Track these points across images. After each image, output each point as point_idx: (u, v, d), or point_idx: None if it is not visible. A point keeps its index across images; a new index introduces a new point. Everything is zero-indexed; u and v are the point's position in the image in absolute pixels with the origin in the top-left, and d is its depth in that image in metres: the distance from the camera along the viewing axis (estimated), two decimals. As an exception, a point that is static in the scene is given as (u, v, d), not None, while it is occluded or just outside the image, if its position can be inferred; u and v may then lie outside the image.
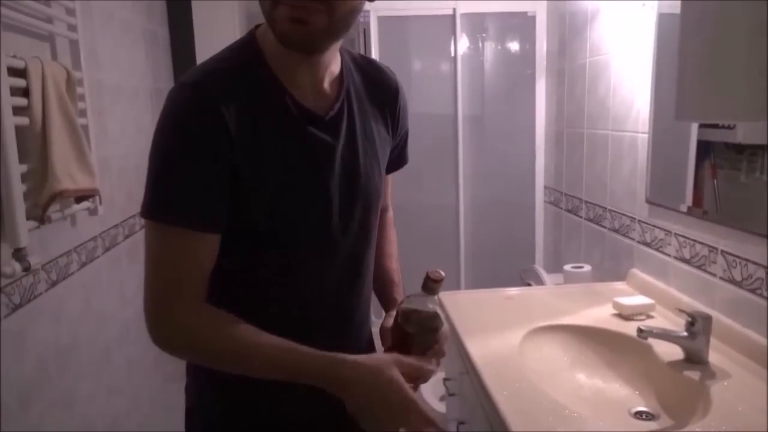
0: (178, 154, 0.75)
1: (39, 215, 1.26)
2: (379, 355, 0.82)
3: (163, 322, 0.78)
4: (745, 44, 0.90)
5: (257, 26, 0.86)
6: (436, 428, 0.78)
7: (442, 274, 0.86)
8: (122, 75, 2.05)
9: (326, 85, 0.86)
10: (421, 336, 0.86)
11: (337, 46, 0.85)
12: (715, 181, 1.42)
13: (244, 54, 0.82)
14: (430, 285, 0.87)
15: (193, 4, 2.72)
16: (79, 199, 1.47)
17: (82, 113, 1.52)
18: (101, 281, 1.77)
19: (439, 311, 0.87)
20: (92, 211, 1.57)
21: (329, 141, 0.85)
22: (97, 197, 1.54)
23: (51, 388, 1.43)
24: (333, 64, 0.87)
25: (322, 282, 0.88)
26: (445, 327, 0.88)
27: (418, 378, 0.82)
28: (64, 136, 1.33)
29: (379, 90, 0.96)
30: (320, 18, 0.73)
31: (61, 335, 1.49)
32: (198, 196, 0.76)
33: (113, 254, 1.86)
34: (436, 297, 0.89)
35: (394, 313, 0.89)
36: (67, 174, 1.31)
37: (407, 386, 0.78)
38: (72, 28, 1.53)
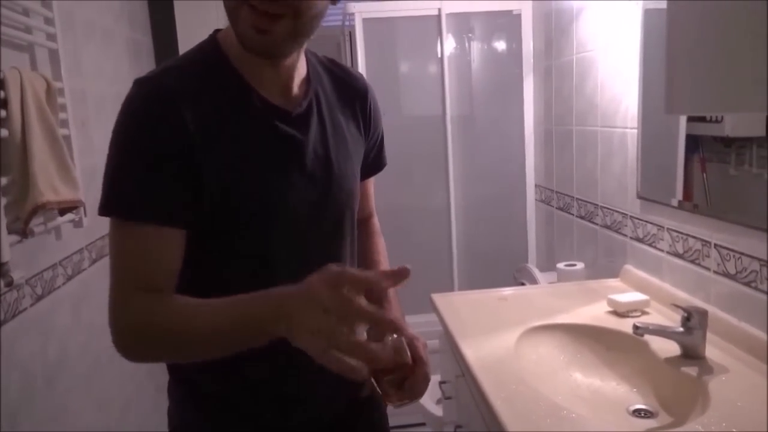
0: (130, 148, 0.75)
1: (21, 229, 1.23)
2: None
3: (116, 319, 0.76)
4: (733, 35, 0.89)
5: (217, 30, 0.85)
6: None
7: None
8: (106, 84, 2.02)
9: (294, 86, 0.86)
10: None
11: (302, 49, 0.85)
12: (704, 174, 1.41)
13: (206, 53, 0.82)
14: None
15: (177, 13, 2.70)
16: (63, 211, 1.44)
17: (64, 124, 1.49)
18: (89, 293, 1.74)
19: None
20: (77, 223, 1.54)
21: (298, 136, 0.84)
22: (82, 208, 1.51)
23: (40, 403, 1.40)
24: (300, 66, 0.87)
25: (292, 270, 0.75)
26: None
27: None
28: (45, 147, 1.30)
29: (347, 90, 0.96)
30: (285, 25, 0.73)
31: (49, 350, 1.46)
32: (150, 189, 0.74)
33: (101, 266, 1.83)
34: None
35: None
36: (49, 186, 1.29)
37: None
38: (51, 37, 1.50)
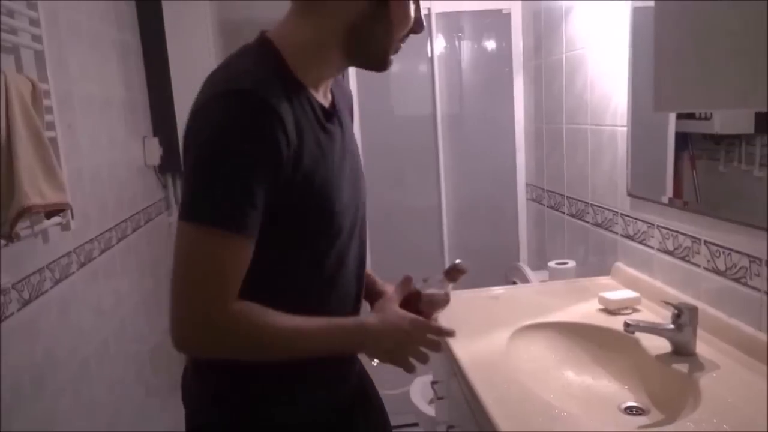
0: (235, 160, 0.76)
1: (7, 233, 1.22)
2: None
3: (204, 327, 0.78)
4: (720, 32, 0.90)
5: (265, 32, 0.90)
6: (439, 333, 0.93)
7: (467, 269, 1.01)
8: (93, 85, 2.01)
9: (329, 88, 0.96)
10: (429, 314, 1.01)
11: None
12: (694, 171, 1.42)
13: (270, 62, 0.85)
14: (454, 275, 1.02)
15: (165, 13, 2.68)
16: (50, 215, 1.42)
17: (50, 126, 1.48)
18: (77, 298, 1.72)
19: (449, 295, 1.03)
20: (64, 226, 1.52)
21: (339, 133, 0.93)
22: (69, 212, 1.49)
23: (28, 408, 1.38)
24: None
25: (348, 262, 0.95)
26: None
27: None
28: (31, 150, 1.29)
29: (344, 93, 1.05)
30: None
31: (36, 355, 1.44)
32: (252, 203, 0.77)
33: (89, 270, 1.81)
34: (451, 285, 1.03)
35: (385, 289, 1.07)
36: (35, 189, 1.27)
37: (402, 311, 0.94)
38: (37, 38, 1.48)
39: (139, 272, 2.33)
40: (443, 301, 1.02)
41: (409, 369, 0.93)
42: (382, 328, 0.90)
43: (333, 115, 0.92)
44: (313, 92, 0.88)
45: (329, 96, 0.95)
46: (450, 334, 0.95)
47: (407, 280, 1.00)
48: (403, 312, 0.93)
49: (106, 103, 2.13)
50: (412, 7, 0.88)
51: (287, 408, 0.93)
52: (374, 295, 1.08)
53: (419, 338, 0.91)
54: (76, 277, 1.71)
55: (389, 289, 1.05)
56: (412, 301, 0.99)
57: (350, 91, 1.08)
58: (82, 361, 1.71)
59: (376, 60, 0.90)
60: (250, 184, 0.76)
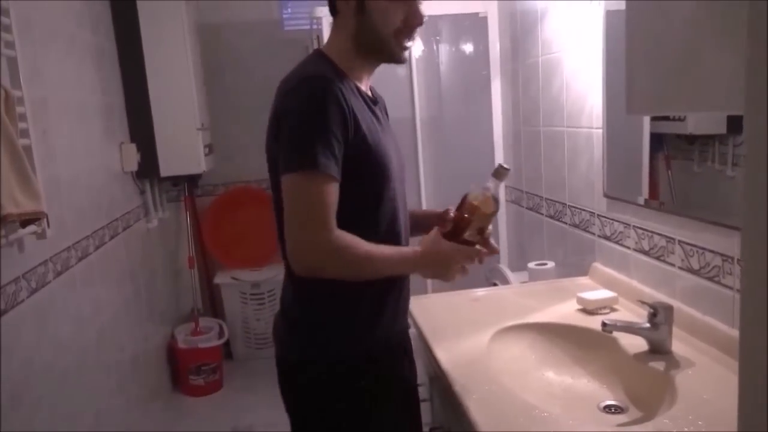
0: (321, 123, 1.01)
1: (-19, 242, 1.20)
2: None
3: (317, 249, 1.02)
4: (690, 35, 0.91)
5: (317, 49, 1.17)
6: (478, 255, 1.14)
7: (509, 167, 1.21)
8: (68, 91, 1.98)
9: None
10: (477, 221, 1.15)
11: None
12: (669, 171, 1.44)
13: (325, 64, 1.11)
14: (501, 171, 1.20)
15: (140, 16, 2.66)
16: (25, 223, 1.40)
17: (24, 133, 1.46)
18: (55, 307, 1.70)
19: (498, 197, 1.19)
20: (40, 235, 1.50)
21: (381, 116, 1.19)
22: (45, 220, 1.47)
23: (5, 422, 1.36)
24: None
25: (400, 204, 1.20)
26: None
27: (465, 254, 1.14)
28: (5, 159, 1.27)
29: (378, 96, 1.27)
30: None
31: (13, 367, 1.42)
32: (336, 154, 1.02)
33: (66, 278, 1.79)
34: (502, 184, 1.21)
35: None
36: (9, 197, 1.25)
37: (443, 241, 1.14)
38: (9, 45, 1.46)
39: (117, 280, 2.31)
40: (490, 206, 1.16)
41: (449, 279, 1.15)
42: (428, 252, 1.13)
43: (376, 103, 1.18)
44: (358, 83, 1.14)
45: (370, 92, 1.20)
46: (493, 251, 1.18)
47: (444, 214, 1.19)
48: (444, 242, 1.14)
49: (82, 109, 2.10)
50: (391, 9, 1.08)
51: (364, 337, 1.17)
52: (420, 218, 1.33)
53: (458, 258, 1.13)
54: (53, 286, 1.68)
55: (431, 214, 1.31)
56: (460, 225, 1.14)
57: (382, 98, 1.29)
58: (61, 371, 1.68)
59: (386, 56, 1.14)
60: (330, 139, 1.01)
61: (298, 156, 1.02)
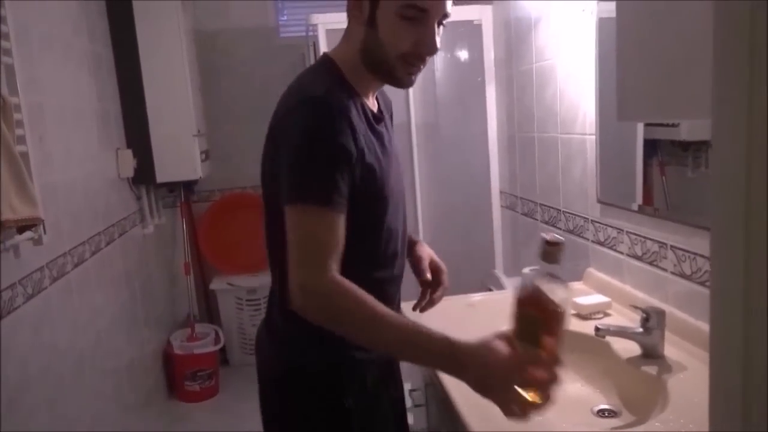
0: (323, 151, 0.94)
1: (-23, 248, 1.21)
2: (487, 338, 0.92)
3: (315, 289, 0.92)
4: (679, 43, 0.93)
5: (326, 54, 1.08)
6: (549, 368, 0.87)
7: (560, 238, 0.89)
8: (65, 97, 1.99)
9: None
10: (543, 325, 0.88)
11: None
12: (663, 178, 1.46)
13: (333, 76, 1.03)
14: (549, 250, 0.89)
15: (137, 24, 2.67)
16: (22, 229, 1.41)
17: (21, 140, 1.47)
18: (51, 313, 1.70)
19: (563, 288, 0.90)
20: (36, 241, 1.51)
21: (385, 134, 1.10)
22: (41, 226, 1.48)
23: (2, 427, 1.36)
24: None
25: (400, 237, 1.13)
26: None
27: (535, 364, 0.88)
28: (2, 165, 1.28)
29: (384, 99, 1.20)
30: None
31: (9, 371, 1.42)
32: (342, 185, 0.94)
33: (62, 284, 1.79)
34: (558, 266, 0.89)
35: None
36: (6, 204, 1.26)
37: (505, 351, 0.87)
38: (6, 52, 1.47)
39: (114, 285, 2.31)
40: (558, 313, 0.86)
41: (511, 412, 0.88)
42: (473, 350, 0.89)
43: (381, 119, 1.10)
44: (364, 99, 1.06)
45: (375, 103, 1.12)
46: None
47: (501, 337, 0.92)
48: (500, 343, 0.89)
49: (78, 115, 2.11)
50: (402, 30, 0.98)
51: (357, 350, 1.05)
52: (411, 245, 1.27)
53: (524, 370, 0.86)
54: (49, 292, 1.69)
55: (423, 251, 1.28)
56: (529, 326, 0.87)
57: (389, 99, 1.23)
58: (57, 377, 1.69)
59: (389, 77, 1.05)
60: (335, 171, 0.93)
61: (305, 187, 0.94)
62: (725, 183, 0.32)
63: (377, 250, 1.09)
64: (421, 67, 1.03)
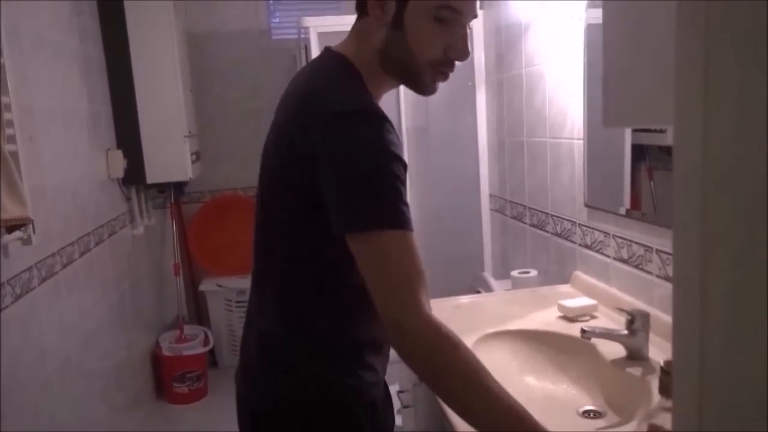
0: (394, 170, 0.85)
1: (-34, 248, 1.20)
2: None
3: (411, 331, 0.83)
4: (664, 50, 0.95)
5: (339, 54, 0.97)
6: None
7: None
8: (55, 98, 1.99)
9: None
10: None
11: None
12: (651, 182, 1.48)
13: (360, 84, 0.94)
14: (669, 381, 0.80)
15: (129, 25, 2.67)
16: (11, 229, 1.40)
17: (11, 139, 1.46)
18: (39, 314, 1.69)
19: None
20: (25, 241, 1.50)
21: None
22: (30, 226, 1.48)
23: (-14, 429, 1.36)
24: None
25: None
26: None
27: None
28: (-8, 164, 1.28)
29: None
30: None
31: (-4, 372, 1.42)
32: (406, 203, 0.86)
33: (51, 284, 1.78)
34: None
35: None
36: (-5, 203, 1.26)
37: None
38: (-3, 52, 1.47)
39: (102, 287, 2.30)
40: None
41: None
42: None
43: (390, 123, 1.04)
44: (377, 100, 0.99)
45: None
46: None
47: None
48: None
49: (69, 116, 2.11)
50: (435, 33, 0.92)
51: (361, 380, 0.99)
52: None
53: None
54: (37, 293, 1.68)
55: None
56: None
57: None
58: (44, 378, 1.68)
59: (413, 84, 0.98)
60: (404, 190, 0.86)
61: (383, 209, 0.84)
62: (685, 183, 0.34)
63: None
64: (449, 74, 0.97)
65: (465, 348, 0.84)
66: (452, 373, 0.83)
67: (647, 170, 1.49)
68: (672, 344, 0.34)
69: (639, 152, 1.49)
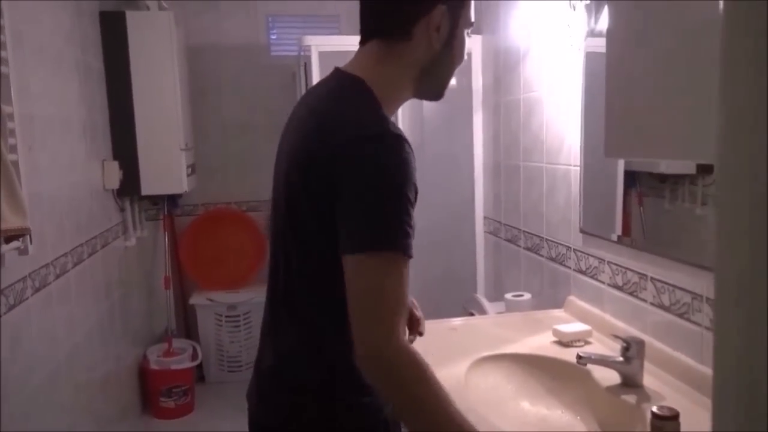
0: (405, 196, 0.86)
1: (-36, 257, 1.20)
2: None
3: (398, 345, 0.85)
4: (665, 85, 0.97)
5: (356, 77, 0.97)
6: None
7: (674, 409, 0.87)
8: (54, 107, 1.99)
9: None
10: None
11: None
12: (641, 208, 1.50)
13: (376, 103, 0.94)
14: (659, 426, 0.90)
15: (130, 36, 2.68)
16: (9, 239, 1.40)
17: (12, 149, 1.46)
18: (30, 323, 1.68)
19: None
20: (22, 251, 1.49)
21: None
22: (28, 236, 1.47)
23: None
24: None
25: None
26: None
27: None
28: (-7, 174, 1.27)
29: None
30: None
31: (-15, 384, 1.40)
32: (411, 229, 0.87)
33: (43, 295, 1.77)
34: None
35: None
36: (-5, 213, 1.25)
37: None
38: (3, 61, 1.47)
39: (93, 298, 2.28)
40: None
41: None
42: None
43: None
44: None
45: None
46: None
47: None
48: None
49: (66, 125, 2.10)
50: (465, 42, 1.00)
51: (375, 399, 0.99)
52: None
53: None
54: (29, 303, 1.67)
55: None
56: None
57: None
58: (32, 390, 1.66)
59: (439, 92, 1.04)
60: (411, 215, 0.88)
61: (387, 231, 0.86)
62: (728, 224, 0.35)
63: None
64: None
65: (433, 378, 0.88)
66: (423, 405, 0.87)
67: (637, 196, 1.51)
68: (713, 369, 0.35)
69: (630, 179, 1.52)
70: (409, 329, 1.15)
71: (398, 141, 0.88)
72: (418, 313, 1.20)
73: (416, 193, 0.90)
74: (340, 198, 0.87)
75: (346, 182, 0.86)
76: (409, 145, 0.89)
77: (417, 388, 0.86)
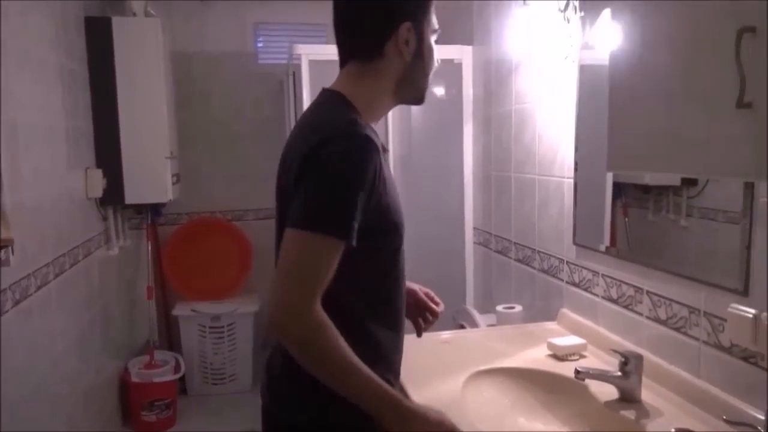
0: (352, 183, 0.94)
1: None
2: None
3: (301, 318, 0.92)
4: (666, 100, 0.97)
5: (335, 91, 1.06)
6: None
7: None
8: (37, 114, 1.94)
9: None
10: None
11: None
12: (626, 219, 1.51)
13: (352, 111, 1.03)
14: None
15: (115, 43, 2.63)
16: (-10, 250, 1.35)
17: (-5, 157, 1.42)
18: (9, 336, 1.62)
19: None
20: (3, 262, 1.45)
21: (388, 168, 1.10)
22: (10, 247, 1.42)
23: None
24: None
25: (402, 268, 1.14)
26: None
27: None
28: (-25, 182, 1.23)
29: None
30: None
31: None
32: (354, 215, 0.94)
33: (24, 307, 1.71)
34: None
35: None
36: (-23, 223, 1.21)
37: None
38: (-15, 66, 1.43)
39: (74, 309, 2.22)
40: None
41: None
42: (415, 410, 0.99)
43: (386, 151, 1.09)
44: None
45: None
46: None
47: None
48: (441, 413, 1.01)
49: (49, 133, 2.05)
50: (433, 50, 1.09)
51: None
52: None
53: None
54: (9, 316, 1.61)
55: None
56: None
57: None
58: (11, 403, 1.60)
59: (419, 97, 1.13)
60: (356, 202, 0.94)
61: (319, 210, 0.94)
62: None
63: (390, 286, 1.11)
64: None
65: (339, 340, 0.94)
66: (325, 360, 0.94)
67: (623, 207, 1.52)
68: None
69: (616, 190, 1.52)
70: (423, 318, 1.29)
71: (361, 139, 0.96)
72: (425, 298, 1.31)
73: (375, 188, 0.96)
74: (304, 183, 0.96)
75: (305, 173, 0.96)
76: (376, 146, 0.97)
77: (323, 350, 0.93)
